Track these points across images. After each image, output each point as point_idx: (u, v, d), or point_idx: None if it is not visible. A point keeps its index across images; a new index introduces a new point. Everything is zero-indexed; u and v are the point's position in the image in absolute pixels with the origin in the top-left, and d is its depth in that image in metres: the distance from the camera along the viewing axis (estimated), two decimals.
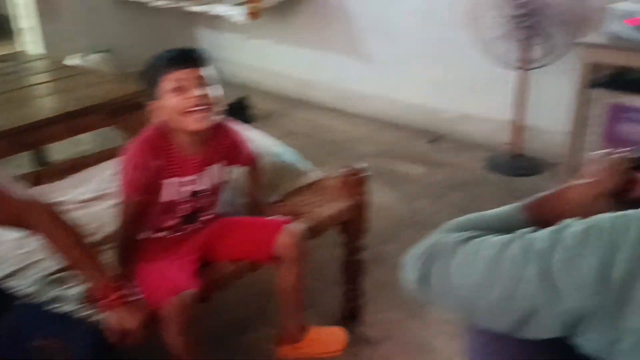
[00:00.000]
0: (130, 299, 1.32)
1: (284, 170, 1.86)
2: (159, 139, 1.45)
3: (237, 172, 1.67)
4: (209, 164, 1.51)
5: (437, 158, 3.21)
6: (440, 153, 3.27)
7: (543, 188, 0.89)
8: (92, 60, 3.98)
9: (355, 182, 1.75)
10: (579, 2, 2.47)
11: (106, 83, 2.54)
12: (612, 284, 0.60)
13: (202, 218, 1.57)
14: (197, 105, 1.38)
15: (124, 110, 2.32)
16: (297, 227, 1.56)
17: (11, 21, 4.17)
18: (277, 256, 1.53)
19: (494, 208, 0.85)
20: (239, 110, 3.76)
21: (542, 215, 0.79)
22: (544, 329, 0.65)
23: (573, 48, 2.52)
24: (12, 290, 1.38)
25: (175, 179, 1.47)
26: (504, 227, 0.78)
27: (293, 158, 1.92)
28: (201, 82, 1.39)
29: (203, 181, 1.51)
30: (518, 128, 2.94)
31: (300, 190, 1.86)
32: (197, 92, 1.38)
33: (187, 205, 1.51)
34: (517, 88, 2.87)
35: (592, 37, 2.36)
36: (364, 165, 1.77)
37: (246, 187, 1.71)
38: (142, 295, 1.38)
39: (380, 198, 2.79)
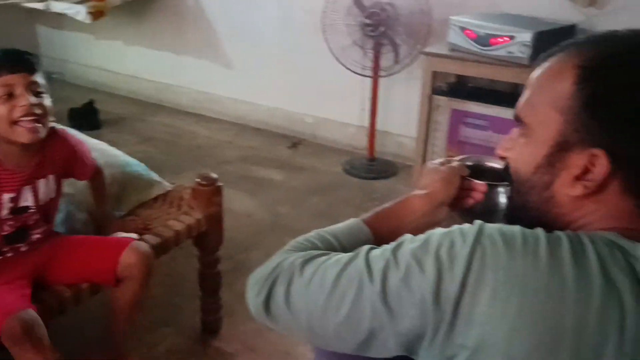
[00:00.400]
0: None
1: (131, 182, 1.73)
2: None
3: (78, 186, 1.52)
4: (38, 177, 1.36)
5: (298, 162, 3.23)
6: (301, 157, 3.30)
7: (398, 190, 0.90)
8: None
9: (209, 193, 1.68)
10: (424, 13, 2.60)
11: None
12: (443, 301, 0.60)
13: (32, 237, 1.40)
14: (28, 115, 1.24)
15: None
16: (143, 244, 1.45)
17: None
18: (120, 277, 1.41)
19: (352, 210, 0.84)
20: (86, 115, 3.50)
21: (382, 229, 0.79)
22: (386, 349, 0.64)
23: (419, 57, 2.65)
24: None
25: None
26: (349, 242, 0.76)
27: (140, 169, 1.80)
28: (33, 90, 1.25)
29: (27, 197, 1.35)
30: (372, 133, 3.05)
31: (151, 203, 1.75)
32: (29, 99, 1.23)
33: (10, 223, 1.34)
34: (368, 95, 2.97)
35: (435, 48, 2.50)
36: (216, 175, 1.70)
37: (88, 202, 1.57)
38: None
39: (242, 205, 2.74)
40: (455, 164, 0.88)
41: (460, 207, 0.87)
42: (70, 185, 1.55)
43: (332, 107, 3.36)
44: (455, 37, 2.36)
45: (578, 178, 0.62)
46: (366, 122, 3.07)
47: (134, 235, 1.48)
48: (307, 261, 0.70)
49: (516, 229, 0.61)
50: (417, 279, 0.61)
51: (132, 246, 1.41)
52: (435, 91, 2.50)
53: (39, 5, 3.48)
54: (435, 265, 0.61)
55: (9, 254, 1.37)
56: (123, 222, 1.61)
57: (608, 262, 0.58)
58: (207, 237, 1.73)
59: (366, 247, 0.68)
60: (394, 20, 2.65)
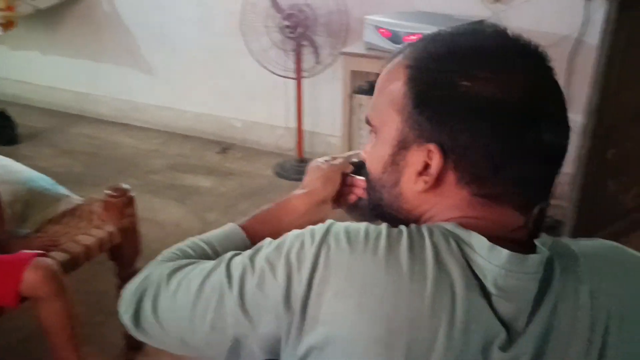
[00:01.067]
0: None
1: (36, 199, 1.65)
2: None
3: None
4: None
5: (228, 168, 3.19)
6: (231, 162, 3.25)
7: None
8: None
9: (120, 204, 1.62)
10: (341, 13, 2.61)
11: None
12: (293, 303, 0.60)
13: None
14: None
15: None
16: (47, 260, 1.38)
17: None
18: (26, 296, 1.34)
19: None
20: (1, 129, 3.33)
21: (261, 232, 0.77)
22: (253, 355, 0.64)
23: (339, 57, 2.66)
24: None
25: None
26: (224, 249, 0.74)
27: (46, 183, 1.71)
28: None
29: None
30: (300, 134, 3.04)
31: (58, 218, 1.67)
32: None
33: None
34: (294, 96, 2.96)
35: (353, 47, 2.52)
36: (128, 185, 1.64)
37: None
38: None
39: (169, 214, 2.68)
40: (337, 161, 0.88)
41: (345, 203, 0.87)
42: None
43: (259, 110, 3.33)
44: (371, 36, 2.38)
45: (420, 174, 0.64)
46: (293, 124, 3.06)
47: (36, 253, 1.40)
48: (174, 271, 0.68)
49: (361, 226, 0.63)
50: (270, 283, 0.61)
51: (34, 263, 1.34)
52: (356, 90, 2.52)
53: None
54: (285, 269, 0.61)
55: None
56: (27, 241, 1.53)
57: (442, 251, 0.60)
58: (122, 250, 1.67)
59: (229, 253, 0.67)
60: (312, 21, 2.65)
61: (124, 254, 1.68)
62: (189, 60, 3.41)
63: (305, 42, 2.72)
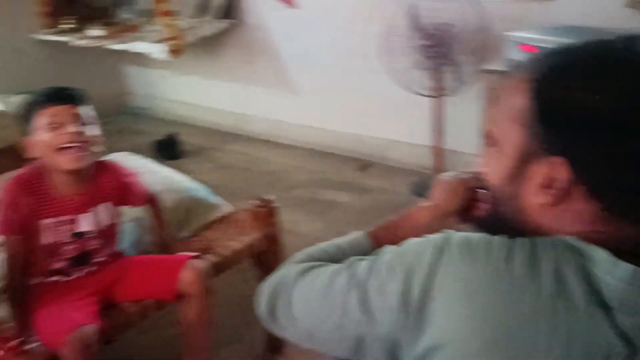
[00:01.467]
0: (26, 347, 1.28)
1: (195, 206, 1.85)
2: (32, 178, 1.42)
3: (140, 211, 1.65)
4: (92, 204, 1.48)
5: (365, 184, 3.27)
6: (369, 179, 3.34)
7: None
8: (13, 102, 3.89)
9: (265, 214, 1.77)
10: (482, 31, 2.59)
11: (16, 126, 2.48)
12: (411, 306, 0.64)
13: (95, 260, 1.53)
14: (71, 142, 1.36)
15: None
16: (200, 262, 1.55)
17: None
18: (182, 293, 1.51)
19: None
20: (168, 146, 3.74)
21: (386, 240, 0.81)
22: (373, 355, 0.68)
23: (479, 75, 2.63)
24: None
25: (51, 220, 1.43)
26: (354, 254, 0.80)
27: (204, 193, 1.92)
28: (76, 120, 1.38)
29: (86, 222, 1.48)
30: (438, 152, 3.04)
31: (212, 225, 1.86)
32: (72, 128, 1.36)
33: (71, 247, 1.48)
34: (433, 114, 2.97)
35: (494, 64, 2.48)
36: (272, 197, 1.78)
37: (151, 225, 1.70)
38: (40, 342, 1.34)
39: (309, 227, 2.82)
40: (464, 175, 0.90)
41: (470, 217, 0.89)
42: (141, 210, 1.68)
43: (399, 128, 3.39)
44: (513, 53, 2.33)
45: (543, 187, 0.64)
46: (433, 142, 3.06)
47: (193, 254, 1.58)
48: (306, 271, 0.75)
49: (480, 237, 0.65)
50: (390, 287, 0.66)
51: (189, 264, 1.51)
52: None
53: (123, 47, 3.79)
54: (404, 274, 0.65)
55: (75, 276, 1.50)
56: (186, 243, 1.72)
57: (562, 264, 0.60)
58: (266, 256, 1.81)
59: (355, 257, 0.73)
60: (452, 40, 2.66)
61: (268, 260, 1.81)
62: (331, 80, 3.58)
63: (445, 61, 2.73)
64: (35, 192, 1.41)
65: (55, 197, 1.43)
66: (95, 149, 1.43)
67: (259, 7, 3.76)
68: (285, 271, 0.79)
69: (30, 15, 4.12)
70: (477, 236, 0.65)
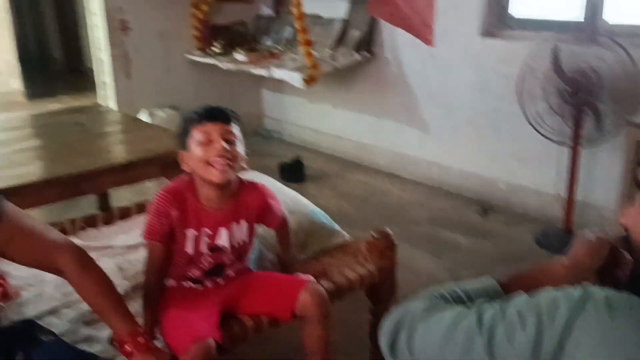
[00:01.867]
0: (155, 346, 1.35)
1: (315, 231, 1.90)
2: (182, 190, 1.53)
3: (264, 229, 1.72)
4: (232, 221, 1.56)
5: (487, 229, 3.17)
6: (491, 224, 3.23)
7: None
8: (160, 116, 4.26)
9: (382, 246, 1.77)
10: (631, 80, 2.44)
11: (164, 138, 2.71)
12: (542, 358, 0.61)
13: (227, 274, 1.60)
14: (220, 157, 1.46)
15: (177, 165, 2.46)
16: (318, 286, 1.57)
17: (95, 75, 4.56)
18: (298, 314, 1.54)
19: None
20: (294, 169, 3.89)
21: (517, 289, 0.79)
22: None
23: (624, 126, 2.47)
24: (49, 326, 1.45)
25: (194, 231, 1.53)
26: (478, 299, 0.79)
27: (325, 219, 1.97)
28: (226, 137, 1.47)
29: (224, 237, 1.56)
30: (568, 203, 2.87)
31: (330, 251, 1.90)
32: (222, 144, 1.46)
33: (208, 259, 1.56)
34: (568, 163, 2.82)
35: None
36: (390, 231, 1.79)
37: (277, 245, 1.76)
38: (165, 343, 1.44)
39: (425, 265, 2.78)
40: (606, 234, 0.86)
41: (610, 278, 0.84)
42: (263, 228, 1.76)
43: (526, 174, 3.26)
44: None
45: None
46: (563, 191, 2.91)
47: (311, 278, 1.62)
48: (430, 310, 0.75)
49: (623, 296, 0.61)
50: (519, 335, 0.64)
51: (308, 286, 1.54)
52: None
53: (263, 72, 4.02)
54: (536, 324, 0.64)
55: (205, 285, 1.59)
56: (305, 266, 1.77)
57: None
58: (380, 289, 1.81)
59: (482, 300, 0.72)
60: (596, 87, 2.52)
61: (381, 293, 1.81)
62: (461, 119, 3.53)
63: (586, 108, 2.60)
64: (183, 203, 1.51)
65: (200, 210, 1.53)
66: (240, 166, 1.52)
67: (396, 43, 3.83)
68: (411, 306, 0.80)
69: (184, 38, 4.52)
70: (617, 294, 0.63)
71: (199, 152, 1.47)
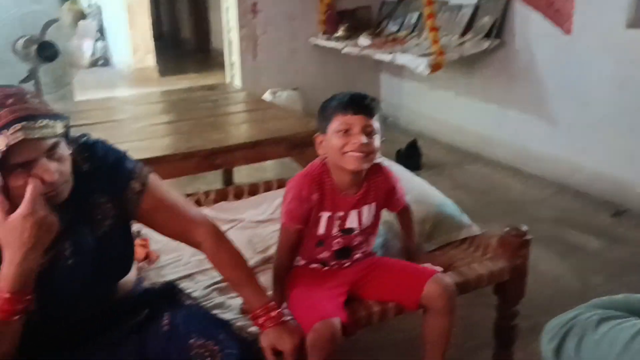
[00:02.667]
0: (286, 320, 1.38)
1: (443, 221, 1.86)
2: (320, 174, 1.53)
3: (391, 215, 1.71)
4: (363, 204, 1.56)
5: (620, 233, 2.94)
6: (624, 228, 2.99)
7: None
8: (281, 96, 4.37)
9: (516, 244, 1.70)
10: None
11: (290, 119, 2.78)
12: None
13: (354, 255, 1.61)
14: (357, 151, 1.44)
15: (302, 145, 2.52)
16: (447, 278, 1.54)
17: (224, 55, 4.76)
18: (423, 305, 1.52)
19: None
20: (410, 156, 3.83)
21: None
22: None
23: None
24: (186, 291, 1.54)
25: (328, 214, 1.53)
26: None
27: (453, 210, 1.91)
28: (367, 131, 1.45)
29: (354, 219, 1.56)
30: None
31: (457, 243, 1.84)
32: (361, 139, 1.44)
33: (338, 241, 1.57)
34: None
35: None
36: (526, 227, 1.70)
37: (399, 232, 1.74)
38: (293, 318, 1.46)
39: (550, 266, 2.63)
40: None
41: None
42: (391, 215, 1.74)
43: None
44: None
45: None
46: None
47: (439, 269, 1.58)
48: (603, 320, 0.71)
49: None
50: None
51: (436, 277, 1.51)
52: None
53: (386, 57, 3.98)
54: None
55: (334, 267, 1.61)
56: (431, 256, 1.73)
57: None
58: (509, 287, 1.74)
59: None
60: None
61: (509, 291, 1.74)
62: (596, 116, 3.29)
63: None
64: (320, 187, 1.52)
65: (335, 193, 1.53)
66: (375, 156, 1.51)
67: (528, 30, 3.63)
68: (579, 313, 0.75)
69: (310, 22, 4.58)
70: None
71: (338, 141, 1.46)
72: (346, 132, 1.45)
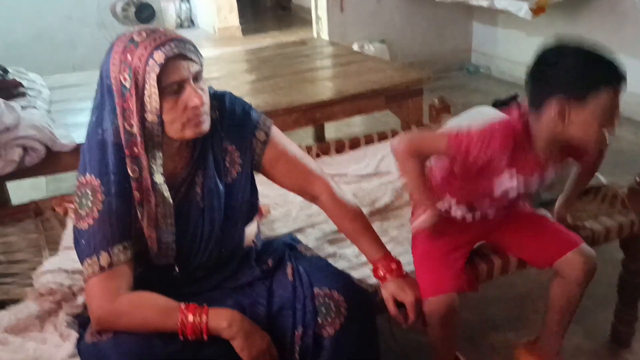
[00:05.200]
0: (406, 273, 1.35)
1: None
2: (521, 132, 1.33)
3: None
4: (548, 168, 1.37)
5: None
6: None
7: None
8: (369, 49, 4.26)
9: None
10: None
11: (387, 70, 2.69)
12: None
13: (508, 211, 1.47)
14: (601, 142, 1.27)
15: (401, 97, 2.45)
16: (591, 252, 1.42)
17: (311, 9, 4.69)
18: (557, 269, 1.44)
19: None
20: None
21: None
22: None
23: None
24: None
25: (511, 173, 1.34)
26: None
27: None
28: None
29: (534, 183, 1.38)
30: None
31: (581, 195, 1.73)
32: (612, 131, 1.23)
33: (509, 198, 1.39)
34: None
35: None
36: None
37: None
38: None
39: None
40: None
41: None
42: None
43: None
44: None
45: None
46: None
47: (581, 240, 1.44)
48: None
49: None
50: None
51: (581, 250, 1.40)
52: None
53: (483, 3, 3.76)
54: None
55: (477, 219, 1.44)
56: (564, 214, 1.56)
57: None
58: (636, 243, 1.62)
59: None
60: None
61: (636, 247, 1.63)
62: None
63: None
64: (514, 145, 1.31)
65: (528, 154, 1.33)
66: None
67: None
68: None
69: None
70: None
71: (597, 120, 1.19)
72: (606, 119, 1.21)
